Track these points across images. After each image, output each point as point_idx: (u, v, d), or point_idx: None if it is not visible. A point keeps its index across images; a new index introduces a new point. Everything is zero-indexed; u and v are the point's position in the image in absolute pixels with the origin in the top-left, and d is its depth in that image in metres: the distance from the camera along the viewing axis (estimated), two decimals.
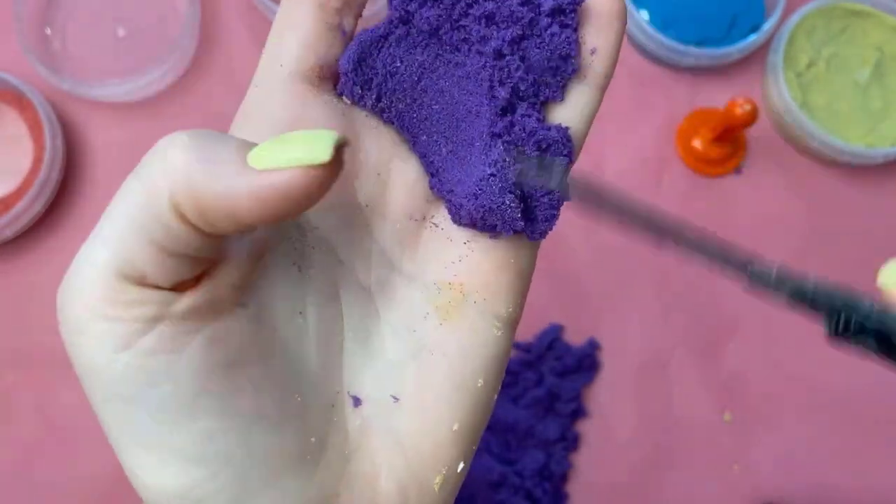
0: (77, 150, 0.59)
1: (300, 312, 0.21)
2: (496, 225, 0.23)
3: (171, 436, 0.19)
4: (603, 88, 0.24)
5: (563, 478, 0.55)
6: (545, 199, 0.23)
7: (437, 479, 0.22)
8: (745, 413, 0.57)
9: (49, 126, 0.56)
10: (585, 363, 0.57)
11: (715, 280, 0.59)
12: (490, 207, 0.22)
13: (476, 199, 0.22)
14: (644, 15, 0.60)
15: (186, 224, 0.18)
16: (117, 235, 0.18)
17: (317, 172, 0.17)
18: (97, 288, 0.18)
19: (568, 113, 0.24)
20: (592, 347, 0.57)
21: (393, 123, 0.24)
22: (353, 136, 0.23)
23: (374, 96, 0.23)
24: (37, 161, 0.56)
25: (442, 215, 0.24)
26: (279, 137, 0.18)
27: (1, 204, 0.56)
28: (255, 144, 0.18)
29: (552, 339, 0.57)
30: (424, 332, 0.23)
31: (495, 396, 0.24)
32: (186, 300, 0.19)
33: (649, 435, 0.57)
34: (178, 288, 0.19)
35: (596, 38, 0.24)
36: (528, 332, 0.57)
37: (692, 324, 0.58)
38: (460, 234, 0.23)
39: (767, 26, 0.59)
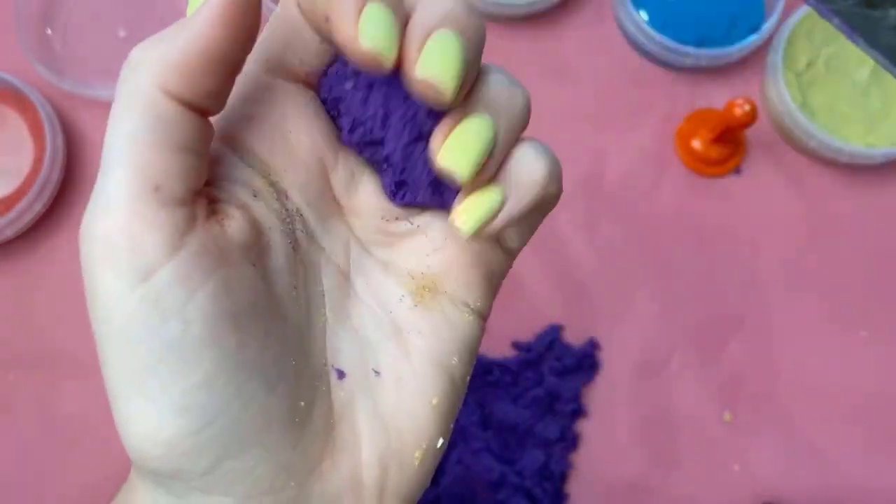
0: (77, 150, 0.59)
1: (295, 287, 0.23)
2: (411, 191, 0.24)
3: (171, 380, 0.19)
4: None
5: (563, 478, 0.55)
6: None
7: (417, 454, 0.23)
8: (745, 413, 0.57)
9: (49, 126, 0.56)
10: (585, 363, 0.57)
11: (715, 280, 0.59)
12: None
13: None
14: (643, 15, 0.61)
15: (183, 105, 0.19)
16: (125, 152, 0.19)
17: None
18: (120, 208, 0.19)
19: None
20: (592, 347, 0.57)
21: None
22: (331, 135, 0.24)
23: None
24: (37, 161, 0.56)
25: (417, 214, 0.25)
26: None
27: (1, 204, 0.56)
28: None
29: (552, 338, 0.57)
30: (399, 313, 0.24)
31: (468, 377, 0.25)
32: (200, 235, 0.20)
33: (649, 435, 0.57)
34: (192, 202, 0.20)
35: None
36: (528, 332, 0.57)
37: (692, 324, 0.58)
38: (435, 231, 0.24)
39: (767, 26, 0.59)
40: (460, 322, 0.24)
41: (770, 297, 0.59)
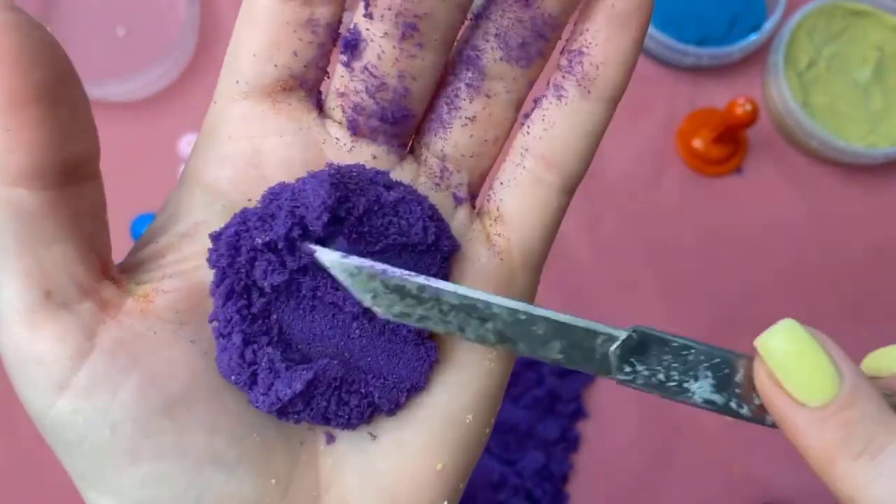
0: None
1: None
2: None
3: (116, 481, 0.18)
4: (611, 100, 0.21)
5: (564, 478, 0.55)
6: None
7: None
8: None
9: None
10: None
11: (716, 279, 0.59)
12: None
13: None
14: None
15: (37, 184, 0.16)
16: (4, 267, 0.17)
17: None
18: (15, 324, 0.17)
19: (564, 131, 0.21)
20: None
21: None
22: (320, 160, 0.21)
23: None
24: None
25: None
26: None
27: None
28: None
29: None
30: None
31: (487, 432, 0.22)
32: (113, 328, 0.18)
33: (649, 435, 0.57)
34: (95, 292, 0.18)
35: (605, 46, 0.20)
36: None
37: (693, 324, 0.58)
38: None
39: (768, 26, 0.59)
40: (480, 370, 0.21)
41: (771, 296, 0.59)
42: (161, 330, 0.19)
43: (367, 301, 0.18)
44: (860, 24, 0.60)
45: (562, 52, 0.21)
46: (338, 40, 0.21)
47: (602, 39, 0.20)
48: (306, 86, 0.21)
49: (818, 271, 0.60)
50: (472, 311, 0.18)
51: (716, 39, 0.60)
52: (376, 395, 0.20)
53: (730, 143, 0.59)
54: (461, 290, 0.19)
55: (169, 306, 0.19)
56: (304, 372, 0.19)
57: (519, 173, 0.22)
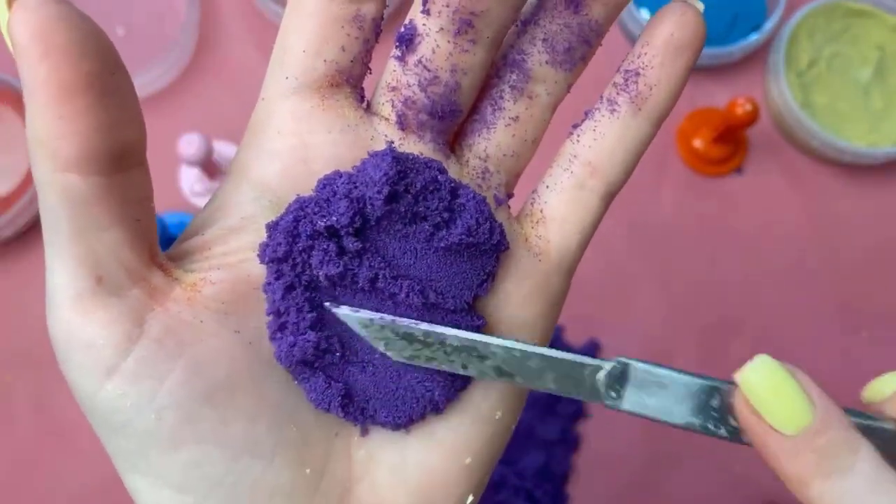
0: None
1: None
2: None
3: (157, 464, 0.19)
4: (658, 120, 0.23)
5: (564, 478, 0.55)
6: None
7: None
8: None
9: None
10: None
11: (717, 279, 0.59)
12: None
13: None
14: (644, 14, 0.60)
15: (90, 170, 0.17)
16: (55, 246, 0.18)
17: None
18: (66, 310, 0.18)
19: (612, 142, 0.23)
20: (593, 348, 0.57)
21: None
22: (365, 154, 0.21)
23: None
24: None
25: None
26: None
27: (1, 203, 0.56)
28: None
29: (552, 339, 0.57)
30: None
31: (513, 427, 0.23)
32: (161, 315, 0.19)
33: (650, 435, 0.57)
34: (145, 278, 0.19)
35: (659, 70, 0.22)
36: None
37: (693, 324, 0.58)
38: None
39: (768, 26, 0.59)
40: None
41: (771, 296, 0.59)
42: (207, 319, 0.19)
43: (380, 347, 0.20)
44: (861, 23, 0.60)
45: (618, 71, 0.23)
46: (380, 36, 0.22)
47: (658, 63, 0.22)
48: (352, 81, 0.21)
49: (818, 271, 0.59)
50: (473, 351, 0.20)
51: (716, 39, 0.60)
52: (436, 392, 0.21)
53: (730, 142, 0.59)
54: (461, 333, 0.20)
55: (215, 296, 0.20)
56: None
57: (566, 178, 0.23)
